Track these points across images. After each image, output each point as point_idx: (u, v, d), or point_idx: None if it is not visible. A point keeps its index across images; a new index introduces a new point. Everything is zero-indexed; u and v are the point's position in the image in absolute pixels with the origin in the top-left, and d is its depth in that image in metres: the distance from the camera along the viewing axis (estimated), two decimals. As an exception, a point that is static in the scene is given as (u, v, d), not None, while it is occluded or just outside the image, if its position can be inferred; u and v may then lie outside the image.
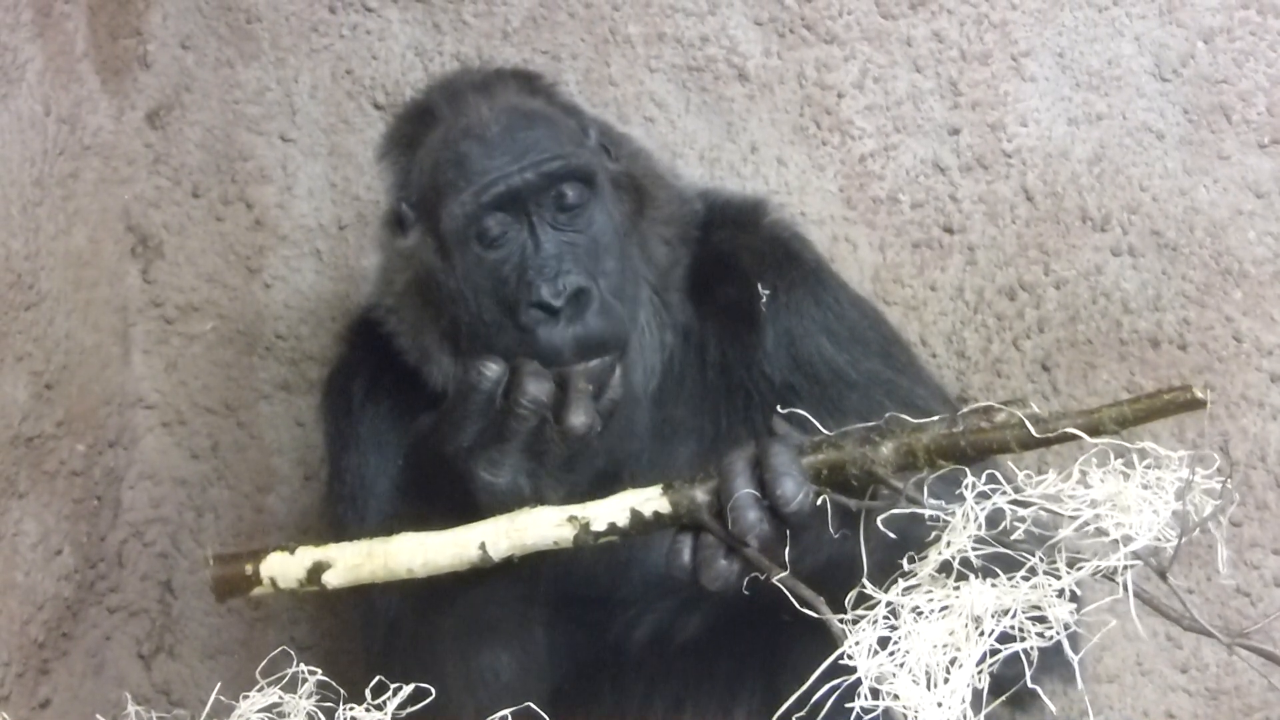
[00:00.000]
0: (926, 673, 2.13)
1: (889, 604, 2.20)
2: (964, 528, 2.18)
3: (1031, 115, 3.66)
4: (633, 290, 3.03)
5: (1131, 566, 2.14)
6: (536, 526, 2.46)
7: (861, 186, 3.73)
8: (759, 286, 3.11)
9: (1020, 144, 3.67)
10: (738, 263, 3.17)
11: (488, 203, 2.95)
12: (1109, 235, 3.65)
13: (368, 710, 2.38)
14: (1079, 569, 2.16)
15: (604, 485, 2.60)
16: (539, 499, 2.58)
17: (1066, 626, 2.15)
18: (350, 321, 3.42)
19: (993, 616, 2.14)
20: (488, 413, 2.65)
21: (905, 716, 2.13)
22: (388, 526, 2.63)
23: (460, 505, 2.62)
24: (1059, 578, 2.15)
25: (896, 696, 2.14)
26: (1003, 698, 2.25)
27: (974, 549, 2.18)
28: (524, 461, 2.62)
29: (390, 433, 3.19)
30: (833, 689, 2.18)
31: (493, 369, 2.67)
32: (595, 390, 2.72)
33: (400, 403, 3.16)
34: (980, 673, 2.13)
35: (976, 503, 2.19)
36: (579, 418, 2.65)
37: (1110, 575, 2.14)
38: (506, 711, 2.42)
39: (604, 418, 2.73)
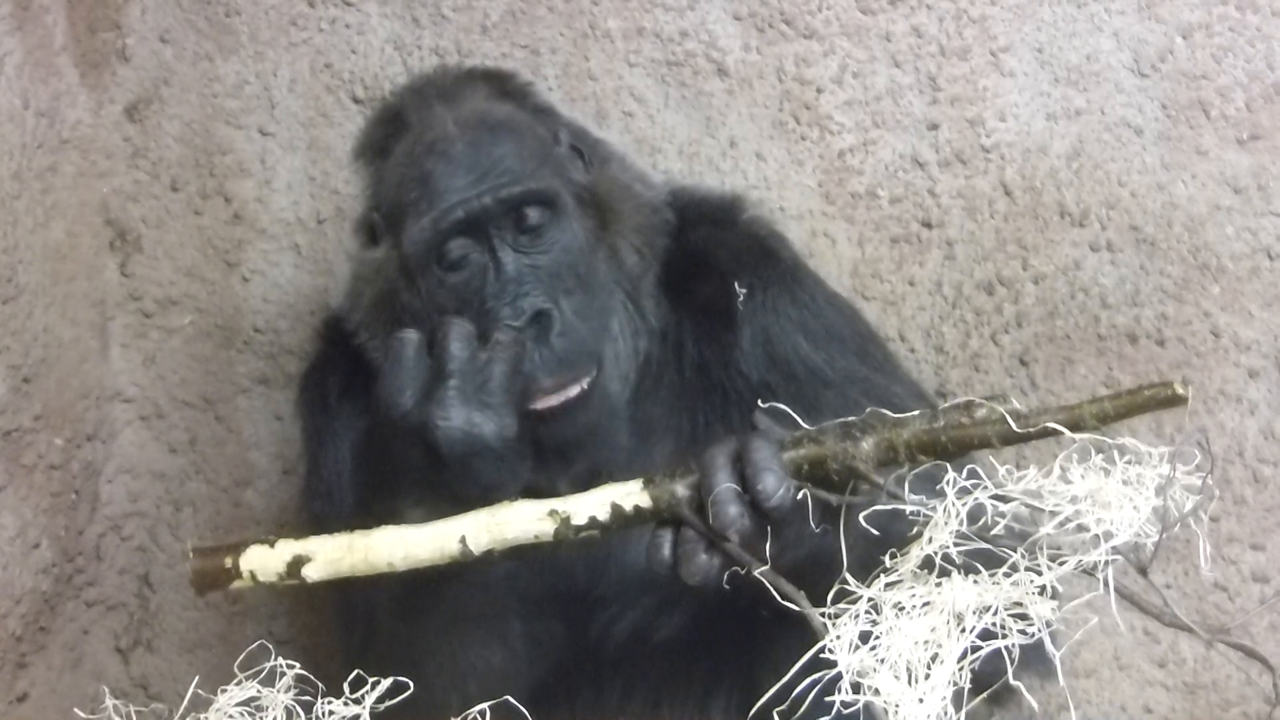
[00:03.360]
0: (908, 668, 2.13)
1: (870, 599, 2.21)
2: (945, 524, 2.18)
3: (1010, 110, 3.67)
4: (603, 301, 3.04)
5: (1112, 562, 2.14)
6: (517, 520, 2.45)
7: (840, 181, 3.73)
8: (736, 285, 3.11)
9: (999, 139, 3.67)
10: (714, 261, 3.17)
11: (447, 229, 2.95)
12: (1087, 230, 3.65)
13: (346, 704, 2.38)
14: (1060, 565, 2.16)
15: (582, 483, 2.59)
16: (499, 437, 2.58)
17: (1048, 623, 2.15)
18: (326, 317, 3.41)
19: (974, 613, 2.15)
20: (420, 369, 2.64)
21: (886, 712, 2.13)
22: (362, 523, 2.62)
23: (428, 478, 2.61)
24: (1040, 574, 2.15)
25: (877, 692, 2.14)
26: (984, 695, 2.25)
27: (955, 545, 2.18)
28: (471, 393, 2.60)
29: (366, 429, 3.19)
30: (813, 683, 2.18)
31: (413, 331, 2.69)
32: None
33: (376, 399, 3.16)
34: (961, 669, 2.13)
35: (958, 498, 2.19)
36: (505, 334, 2.68)
37: (1091, 571, 2.14)
38: (485, 705, 2.42)
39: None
